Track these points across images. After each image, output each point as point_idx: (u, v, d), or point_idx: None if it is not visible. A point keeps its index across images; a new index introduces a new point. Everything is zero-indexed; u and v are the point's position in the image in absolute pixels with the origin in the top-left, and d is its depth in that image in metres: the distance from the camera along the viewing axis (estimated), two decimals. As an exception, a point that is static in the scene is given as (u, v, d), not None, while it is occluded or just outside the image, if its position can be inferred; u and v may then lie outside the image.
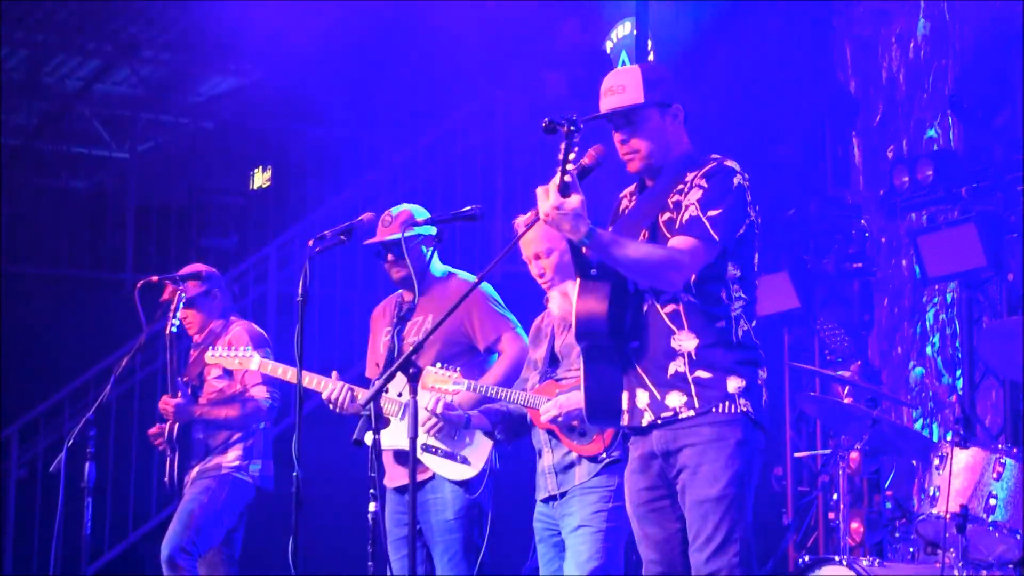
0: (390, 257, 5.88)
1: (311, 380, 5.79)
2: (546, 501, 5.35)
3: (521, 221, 5.38)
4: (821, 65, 9.48)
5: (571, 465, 5.26)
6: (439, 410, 5.48)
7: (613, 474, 5.15)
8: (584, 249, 4.08)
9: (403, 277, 5.86)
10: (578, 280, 4.17)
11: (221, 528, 6.62)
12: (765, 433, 4.24)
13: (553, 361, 5.40)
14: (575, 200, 3.94)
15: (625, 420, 4.28)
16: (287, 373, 6.05)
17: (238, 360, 6.22)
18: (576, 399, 5.10)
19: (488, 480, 5.72)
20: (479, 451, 5.69)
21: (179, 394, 6.56)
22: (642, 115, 4.24)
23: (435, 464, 5.71)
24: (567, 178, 3.94)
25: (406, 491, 5.59)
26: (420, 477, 5.65)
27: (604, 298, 4.12)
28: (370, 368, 6.08)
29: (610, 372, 4.23)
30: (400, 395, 5.67)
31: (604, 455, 5.21)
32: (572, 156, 3.94)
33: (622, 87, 4.25)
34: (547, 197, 3.96)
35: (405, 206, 5.97)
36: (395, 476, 5.79)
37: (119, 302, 9.85)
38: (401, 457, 5.73)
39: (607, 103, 4.27)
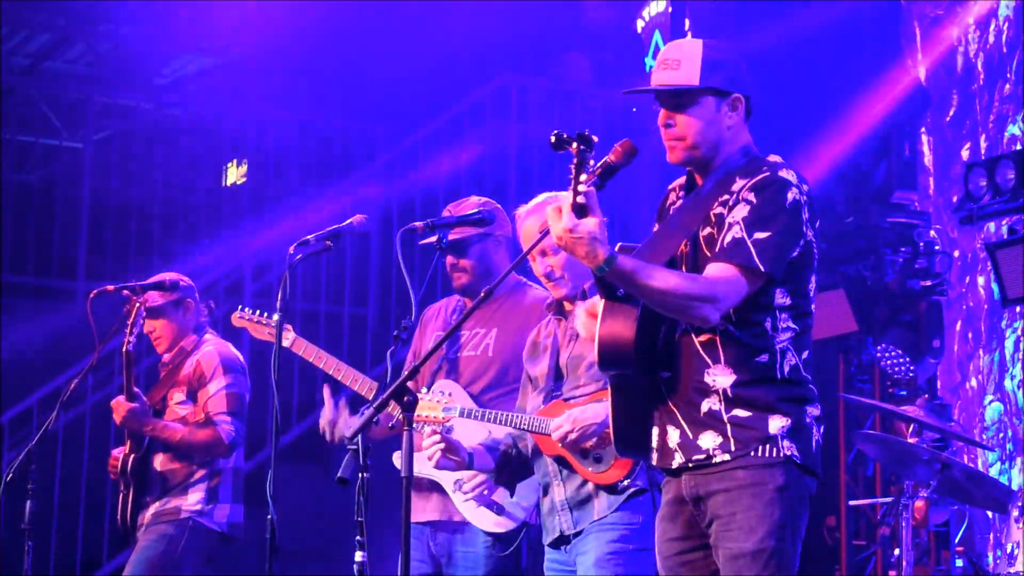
0: (450, 259, 5.87)
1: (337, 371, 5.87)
2: (556, 546, 5.23)
3: (524, 211, 5.35)
4: (886, 50, 9.47)
5: (587, 499, 5.14)
6: (435, 458, 5.37)
7: (636, 510, 5.07)
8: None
9: (466, 284, 5.83)
10: (602, 302, 4.16)
11: (180, 582, 6.62)
12: (816, 479, 4.20)
13: (558, 377, 5.31)
14: (591, 223, 3.91)
15: (654, 459, 4.29)
16: (322, 361, 6.00)
17: (267, 330, 6.17)
18: (591, 413, 5.05)
19: (525, 536, 5.62)
20: (520, 500, 5.60)
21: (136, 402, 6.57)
22: (694, 100, 4.19)
23: (468, 510, 5.66)
24: (580, 199, 3.91)
25: (436, 528, 5.63)
26: (455, 517, 5.67)
27: (632, 323, 4.09)
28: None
29: (640, 404, 4.24)
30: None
31: (626, 482, 5.11)
32: (584, 177, 3.91)
33: (677, 62, 4.20)
34: (559, 218, 3.94)
35: (473, 199, 5.89)
36: (420, 508, 5.73)
37: (69, 314, 9.87)
38: (433, 487, 5.70)
39: (657, 78, 4.22)
